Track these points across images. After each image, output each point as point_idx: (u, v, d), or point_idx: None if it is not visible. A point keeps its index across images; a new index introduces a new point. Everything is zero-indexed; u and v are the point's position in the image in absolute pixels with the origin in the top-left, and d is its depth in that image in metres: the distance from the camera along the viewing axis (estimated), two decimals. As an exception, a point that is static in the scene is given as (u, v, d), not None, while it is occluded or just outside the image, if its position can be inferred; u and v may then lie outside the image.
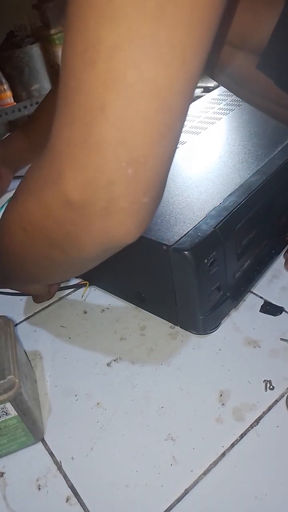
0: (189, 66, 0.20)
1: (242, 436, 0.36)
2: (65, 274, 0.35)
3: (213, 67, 0.42)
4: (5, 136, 0.74)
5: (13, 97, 1.10)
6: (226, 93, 0.72)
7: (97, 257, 0.27)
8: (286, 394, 0.38)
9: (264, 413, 0.37)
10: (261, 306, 0.47)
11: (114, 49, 0.18)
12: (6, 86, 1.07)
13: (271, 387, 0.39)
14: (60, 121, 0.22)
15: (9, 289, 0.58)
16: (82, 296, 0.54)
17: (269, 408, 0.37)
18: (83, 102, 0.20)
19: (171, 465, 0.35)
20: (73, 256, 0.26)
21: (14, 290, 0.50)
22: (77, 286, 0.56)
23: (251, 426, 0.36)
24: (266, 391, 0.39)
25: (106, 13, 0.18)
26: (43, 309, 0.54)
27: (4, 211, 0.30)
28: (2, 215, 0.30)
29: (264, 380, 0.39)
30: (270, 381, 0.39)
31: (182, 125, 0.22)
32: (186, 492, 0.33)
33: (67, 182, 0.22)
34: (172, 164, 0.24)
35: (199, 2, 0.18)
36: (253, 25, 0.37)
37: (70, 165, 0.21)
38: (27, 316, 0.53)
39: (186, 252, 0.38)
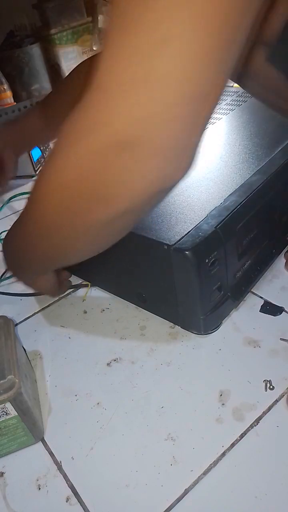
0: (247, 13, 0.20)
1: (242, 436, 0.36)
2: (89, 247, 0.33)
3: None
4: (21, 112, 0.71)
5: (13, 97, 1.10)
6: (226, 93, 0.72)
7: (142, 206, 0.25)
8: (286, 394, 0.38)
9: (264, 413, 0.37)
10: (261, 306, 0.47)
11: None
12: (6, 86, 1.07)
13: (271, 387, 0.39)
14: (114, 55, 0.20)
15: (10, 290, 0.58)
16: (84, 299, 0.54)
17: (269, 408, 0.37)
18: (144, 34, 0.19)
19: (171, 465, 0.35)
20: (117, 208, 0.24)
21: (24, 283, 0.46)
22: (78, 287, 0.56)
23: (251, 426, 0.36)
24: (266, 391, 0.39)
25: None
26: (43, 309, 0.54)
27: (36, 181, 0.28)
28: (34, 186, 0.28)
29: (264, 380, 0.39)
30: (270, 381, 0.39)
31: (233, 66, 0.21)
32: (186, 492, 0.33)
33: (122, 120, 0.20)
34: None
35: None
36: (267, 16, 0.36)
37: (127, 101, 0.20)
38: (27, 316, 0.53)
39: (187, 252, 0.38)
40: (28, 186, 0.89)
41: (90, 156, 0.22)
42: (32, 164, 0.91)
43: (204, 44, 0.19)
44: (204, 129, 0.23)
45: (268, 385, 0.39)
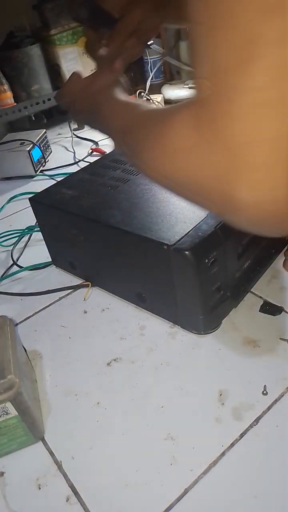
0: None
1: (241, 435, 0.36)
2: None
3: None
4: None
5: (13, 97, 1.10)
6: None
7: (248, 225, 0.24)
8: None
9: (264, 413, 0.37)
10: (261, 306, 0.47)
11: (277, 42, 0.18)
12: (6, 87, 1.08)
13: (265, 392, 0.38)
14: (228, 112, 0.20)
15: (10, 290, 0.58)
16: (85, 298, 0.54)
17: (269, 408, 0.37)
18: (251, 96, 0.19)
19: (171, 464, 0.35)
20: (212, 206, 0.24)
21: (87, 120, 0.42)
22: (78, 287, 0.56)
23: (251, 426, 0.36)
24: (264, 392, 0.39)
25: (265, 9, 0.18)
26: (43, 309, 0.54)
27: (139, 148, 0.28)
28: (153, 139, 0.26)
29: (264, 385, 0.39)
30: (265, 386, 0.39)
31: None
32: (186, 491, 0.33)
33: (232, 177, 0.20)
34: None
35: None
36: None
37: (239, 163, 0.20)
38: (28, 316, 0.53)
39: (186, 252, 0.38)
40: (28, 186, 0.89)
41: (197, 190, 0.23)
42: (32, 164, 0.92)
43: None
44: None
45: (263, 390, 0.39)
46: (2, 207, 0.82)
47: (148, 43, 0.47)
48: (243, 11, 0.18)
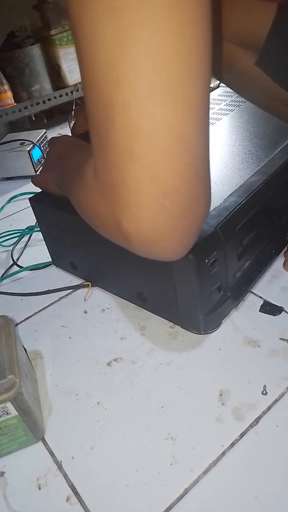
0: (194, 100, 0.22)
1: (242, 435, 0.36)
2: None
3: (216, 66, 0.43)
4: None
5: (14, 97, 1.10)
6: (225, 94, 0.73)
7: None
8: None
9: (264, 413, 0.37)
10: (261, 306, 0.47)
11: (125, 104, 0.21)
12: (6, 87, 1.08)
13: (264, 392, 0.39)
14: (99, 164, 0.25)
15: (11, 290, 0.58)
16: (85, 298, 0.54)
17: (269, 408, 0.37)
18: (114, 151, 0.23)
19: (171, 464, 0.35)
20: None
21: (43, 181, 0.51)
22: (78, 287, 0.56)
23: (251, 426, 0.36)
24: (264, 392, 0.39)
25: (110, 73, 0.21)
26: (43, 309, 0.54)
27: (71, 176, 0.34)
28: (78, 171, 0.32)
29: (264, 385, 0.39)
30: (265, 386, 0.39)
31: (206, 150, 0.24)
32: (186, 491, 0.33)
33: (118, 214, 0.24)
34: None
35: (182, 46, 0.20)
36: (249, 23, 0.38)
37: (117, 202, 0.24)
38: (28, 316, 0.53)
39: (186, 252, 0.38)
40: (28, 186, 0.89)
41: (99, 219, 0.27)
42: (33, 164, 0.92)
43: (163, 152, 0.22)
44: (194, 212, 0.25)
45: (263, 389, 0.39)
46: (2, 207, 0.82)
47: None
48: (100, 76, 0.21)
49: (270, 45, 0.37)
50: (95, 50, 0.21)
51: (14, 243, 0.68)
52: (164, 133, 0.22)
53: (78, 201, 0.31)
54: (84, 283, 0.56)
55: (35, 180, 0.53)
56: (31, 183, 0.54)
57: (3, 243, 0.69)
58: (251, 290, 0.49)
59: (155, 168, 0.22)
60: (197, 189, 0.24)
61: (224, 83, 0.47)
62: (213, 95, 0.74)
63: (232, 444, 0.35)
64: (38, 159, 0.95)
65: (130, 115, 0.21)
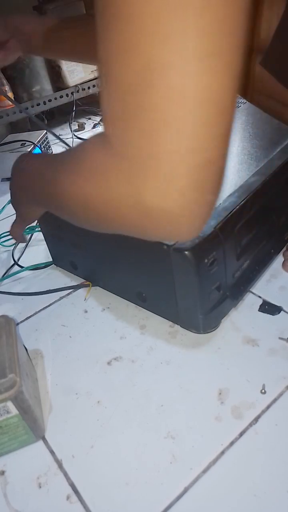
0: (234, 69, 0.21)
1: (241, 434, 0.36)
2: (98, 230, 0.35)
3: None
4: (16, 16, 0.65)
5: (14, 98, 1.10)
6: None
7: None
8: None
9: (263, 412, 0.37)
10: (260, 305, 0.48)
11: (168, 66, 0.20)
12: (7, 88, 1.08)
13: (263, 391, 0.39)
14: (126, 133, 0.23)
15: (11, 290, 0.58)
16: (85, 298, 0.54)
17: (268, 407, 0.38)
18: (148, 117, 0.21)
19: (171, 463, 0.35)
20: (128, 234, 0.28)
21: (16, 201, 0.47)
22: (79, 287, 0.56)
23: (250, 425, 0.37)
24: (263, 391, 0.39)
25: (155, 33, 0.20)
26: (44, 308, 0.54)
27: (57, 178, 0.31)
28: (57, 181, 0.30)
29: (263, 384, 0.40)
30: (263, 385, 0.39)
31: (233, 122, 0.23)
32: (186, 490, 0.33)
33: (140, 188, 0.23)
34: None
35: (229, 12, 0.20)
36: (255, 23, 0.38)
37: (144, 174, 0.23)
38: (29, 316, 0.53)
39: (186, 252, 0.38)
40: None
41: (112, 205, 0.25)
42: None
43: (202, 121, 0.21)
44: (218, 188, 0.24)
45: (262, 389, 0.39)
46: (3, 207, 0.82)
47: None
48: (142, 36, 0.20)
49: (275, 44, 0.37)
50: (141, 4, 0.19)
51: (15, 243, 0.68)
52: (205, 101, 0.21)
53: (76, 194, 0.28)
54: (85, 283, 0.56)
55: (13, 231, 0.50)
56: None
57: (4, 243, 0.69)
58: (250, 289, 0.50)
59: (191, 138, 0.21)
60: (223, 164, 0.24)
61: None
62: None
63: (232, 443, 0.36)
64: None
65: (171, 78, 0.20)
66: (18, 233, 0.52)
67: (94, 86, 1.14)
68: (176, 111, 0.21)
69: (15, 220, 0.50)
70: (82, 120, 1.24)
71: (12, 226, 0.51)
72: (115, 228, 0.28)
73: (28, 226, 0.70)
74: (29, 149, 0.92)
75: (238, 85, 0.23)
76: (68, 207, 0.30)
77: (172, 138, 0.21)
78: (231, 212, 0.42)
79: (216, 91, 0.21)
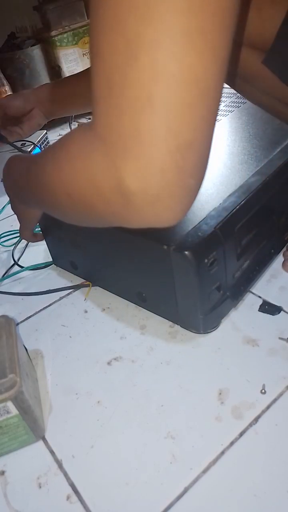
0: (219, 51, 0.21)
1: (241, 434, 0.36)
2: (85, 224, 0.35)
3: None
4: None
5: (14, 98, 1.10)
6: (225, 95, 0.73)
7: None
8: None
9: (263, 412, 0.37)
10: (260, 305, 0.48)
11: (154, 43, 0.20)
12: (7, 88, 1.08)
13: (263, 391, 0.39)
14: (108, 112, 0.23)
15: (11, 290, 0.58)
16: (85, 298, 0.54)
17: (268, 407, 0.38)
18: (129, 96, 0.21)
19: (171, 463, 0.35)
20: (112, 224, 0.28)
21: (12, 205, 0.49)
22: (79, 287, 0.56)
23: (250, 425, 0.37)
24: (262, 391, 0.39)
25: (143, 12, 0.20)
26: (44, 308, 0.54)
27: (43, 168, 0.31)
28: (42, 170, 0.31)
29: (262, 384, 0.40)
30: (264, 385, 0.39)
31: (218, 106, 0.23)
32: (186, 490, 0.33)
33: (121, 170, 0.23)
34: None
35: None
36: (258, 21, 0.37)
37: (124, 155, 0.22)
38: (29, 316, 0.53)
39: (186, 252, 0.38)
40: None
41: (93, 188, 0.25)
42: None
43: (184, 101, 0.21)
44: (200, 173, 0.24)
45: (262, 389, 0.39)
46: (3, 207, 0.82)
47: None
48: (128, 12, 0.20)
49: (279, 42, 0.36)
50: None
51: (15, 243, 0.68)
52: (188, 80, 0.21)
53: (60, 180, 0.28)
54: (85, 283, 0.56)
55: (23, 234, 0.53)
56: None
57: (4, 243, 0.69)
58: (250, 290, 0.50)
59: (173, 118, 0.21)
60: (206, 148, 0.23)
61: (225, 83, 0.47)
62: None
63: (232, 443, 0.36)
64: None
65: (156, 55, 0.20)
66: (28, 235, 0.53)
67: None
68: (158, 89, 0.21)
69: (20, 224, 0.52)
70: (82, 120, 1.24)
71: (19, 230, 0.53)
72: (100, 217, 0.27)
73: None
74: (29, 149, 0.92)
75: (225, 70, 0.22)
76: (54, 196, 0.30)
77: (153, 118, 0.21)
78: (231, 212, 0.42)
79: (199, 72, 0.21)
